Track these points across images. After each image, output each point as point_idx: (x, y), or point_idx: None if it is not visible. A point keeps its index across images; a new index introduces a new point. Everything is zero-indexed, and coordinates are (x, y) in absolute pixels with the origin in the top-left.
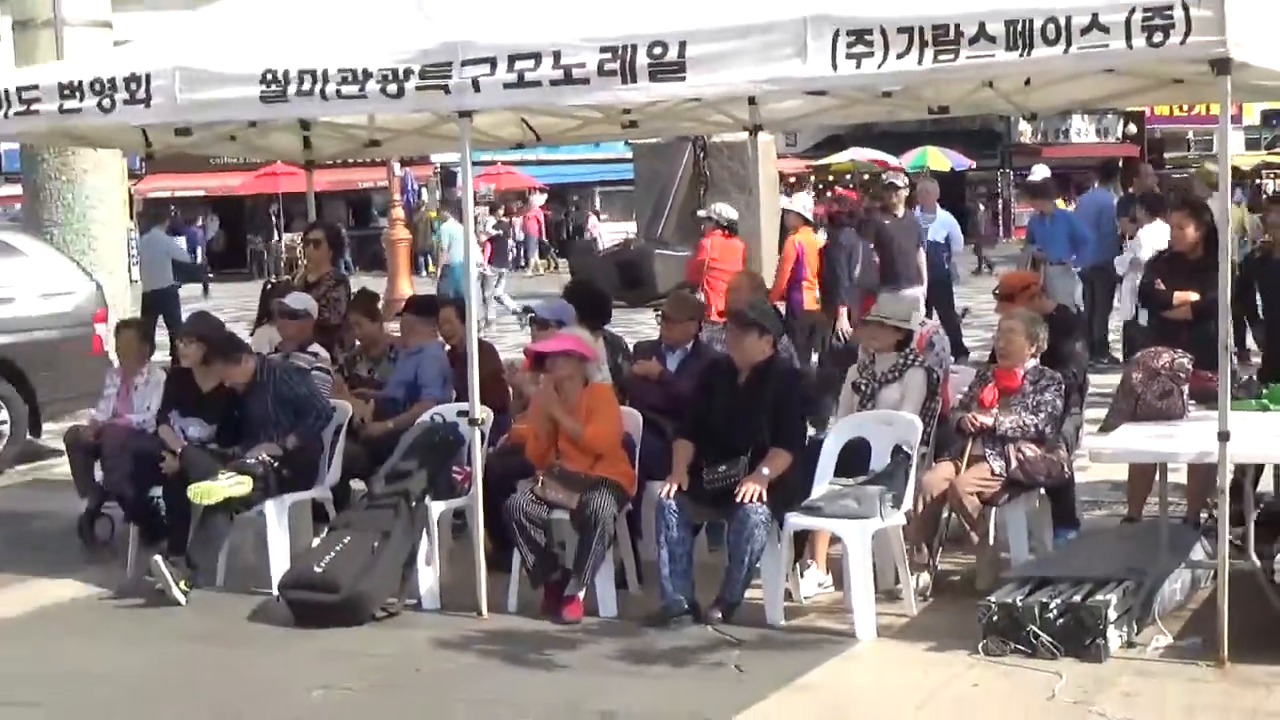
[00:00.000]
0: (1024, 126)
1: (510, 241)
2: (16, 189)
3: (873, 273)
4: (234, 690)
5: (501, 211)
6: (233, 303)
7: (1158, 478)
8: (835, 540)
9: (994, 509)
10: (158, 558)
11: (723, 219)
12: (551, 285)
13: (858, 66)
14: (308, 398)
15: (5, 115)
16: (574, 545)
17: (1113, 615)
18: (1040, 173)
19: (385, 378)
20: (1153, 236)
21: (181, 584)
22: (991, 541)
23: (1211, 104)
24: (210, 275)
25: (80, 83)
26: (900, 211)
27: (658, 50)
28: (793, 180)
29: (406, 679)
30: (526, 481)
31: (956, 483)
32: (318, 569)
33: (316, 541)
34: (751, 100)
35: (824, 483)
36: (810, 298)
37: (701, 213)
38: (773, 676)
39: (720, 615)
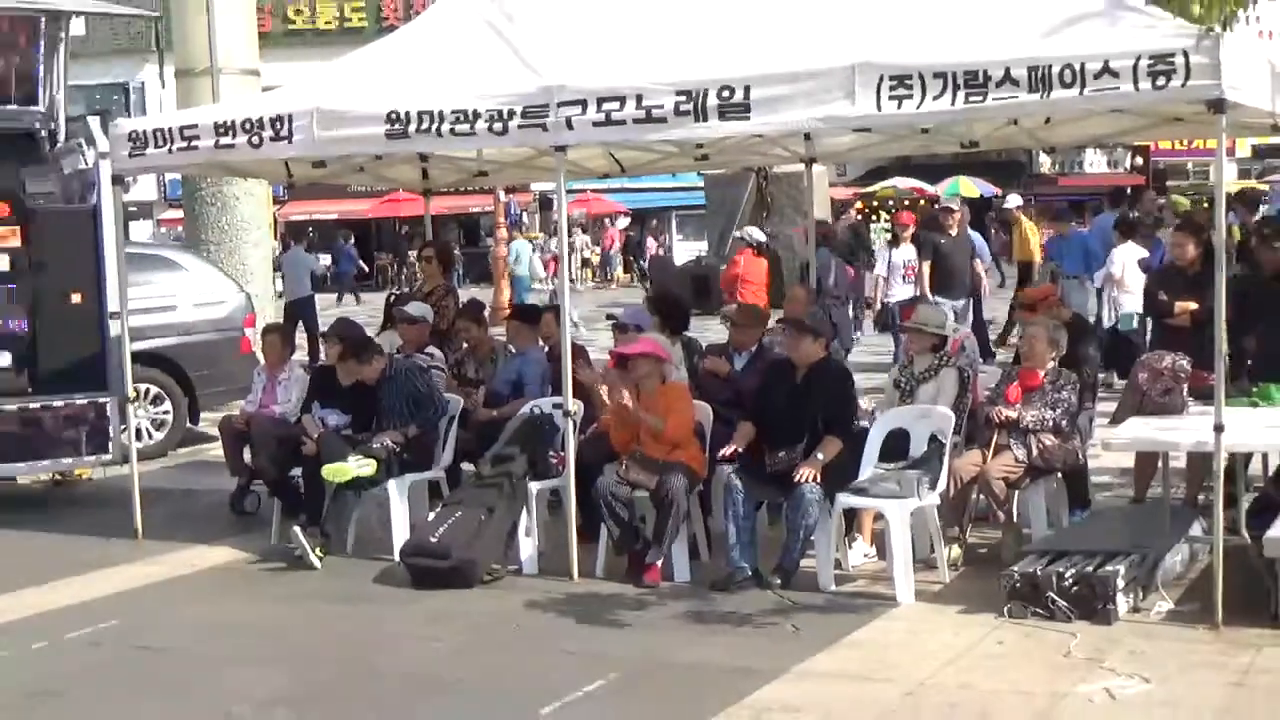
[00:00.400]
0: (1044, 159)
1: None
2: (179, 213)
3: (845, 284)
4: (362, 642)
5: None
6: (363, 311)
7: (1160, 464)
8: (879, 517)
9: (1017, 491)
10: (297, 528)
11: (752, 240)
12: (633, 295)
13: (899, 107)
14: (428, 394)
15: (170, 150)
16: (653, 520)
17: (1121, 584)
18: (1012, 201)
19: (486, 376)
20: (1124, 254)
21: (317, 551)
22: (1015, 519)
23: (1209, 139)
24: (357, 286)
25: (233, 122)
26: (955, 231)
27: (725, 93)
28: (841, 204)
29: (509, 633)
30: (612, 465)
31: (985, 468)
32: (433, 539)
33: (432, 515)
34: (807, 136)
35: (869, 467)
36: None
37: (736, 234)
38: (824, 634)
39: (779, 581)
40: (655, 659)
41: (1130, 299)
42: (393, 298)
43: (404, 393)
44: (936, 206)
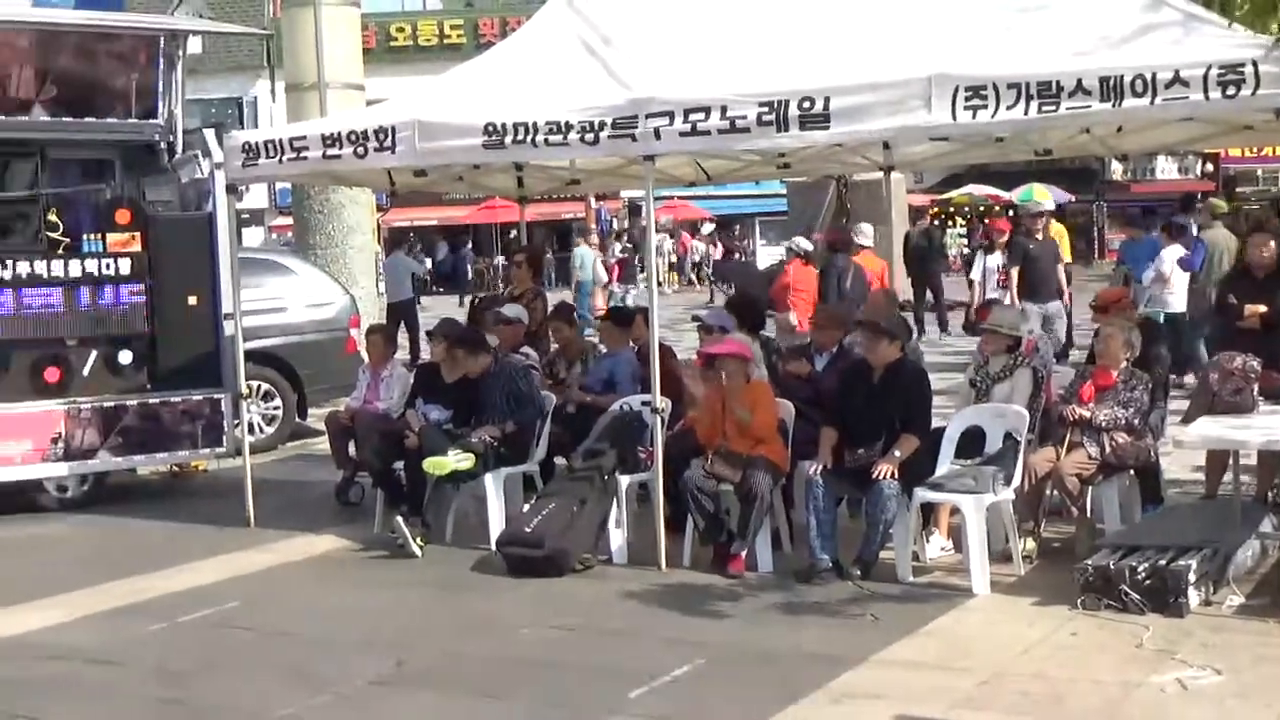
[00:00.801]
0: (1116, 166)
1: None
2: (288, 220)
3: (861, 288)
4: (459, 626)
5: (625, 238)
6: (460, 313)
7: (1231, 462)
8: (955, 511)
9: (1090, 487)
10: (400, 518)
11: (800, 249)
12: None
13: (974, 116)
14: (528, 394)
15: (281, 160)
16: (737, 512)
17: (1193, 577)
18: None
19: (573, 376)
20: (1170, 255)
21: (418, 540)
22: (1088, 514)
23: (1277, 146)
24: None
25: (340, 134)
26: (1041, 235)
27: (806, 104)
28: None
29: (599, 620)
30: (698, 460)
31: (1059, 465)
32: (528, 529)
33: (526, 507)
34: (885, 145)
35: (946, 463)
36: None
37: (785, 244)
38: (902, 624)
39: (859, 572)
40: (740, 646)
41: (1174, 297)
42: (477, 300)
43: (506, 390)
44: (1022, 213)
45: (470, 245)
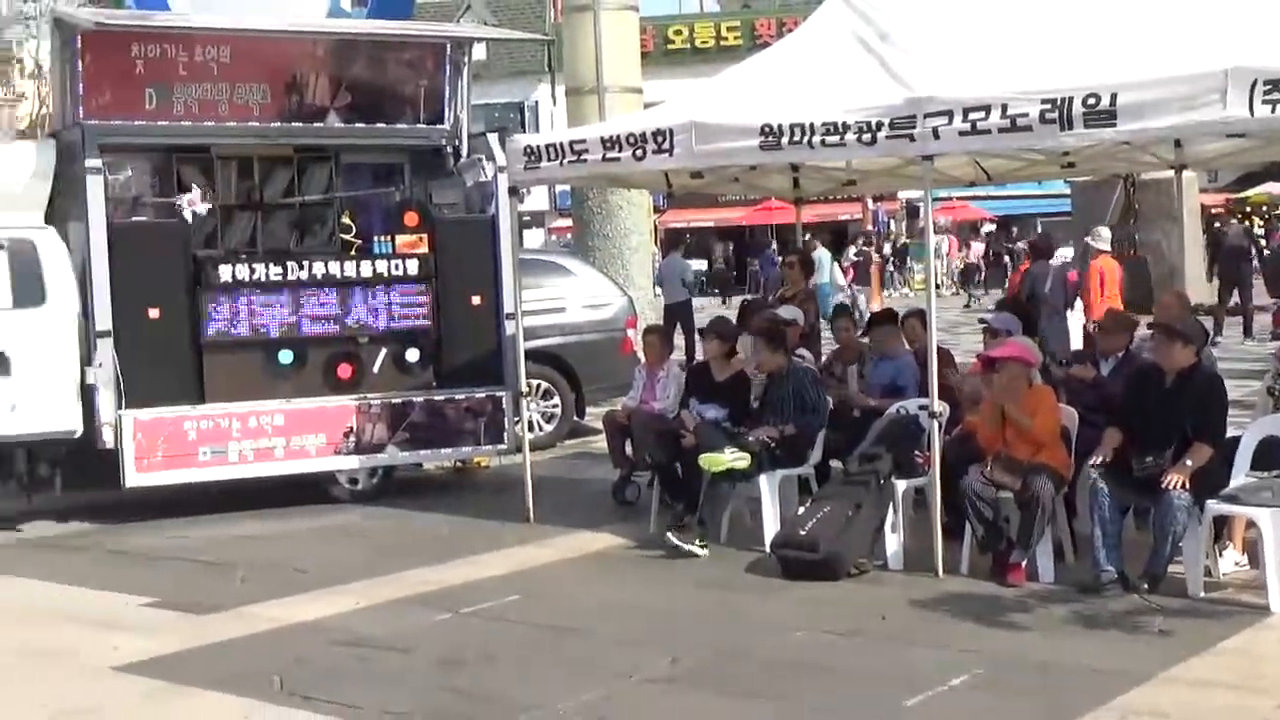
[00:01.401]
0: None
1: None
2: (568, 222)
3: (1062, 293)
4: (733, 627)
5: (861, 241)
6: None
7: None
8: (1251, 525)
9: None
10: (670, 534)
11: (1102, 242)
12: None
13: (1273, 111)
14: (815, 400)
15: (561, 163)
16: (1017, 520)
17: None
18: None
19: (846, 377)
20: None
21: (696, 543)
22: None
23: None
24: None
25: (619, 136)
26: None
27: (1091, 100)
28: (1211, 210)
29: (873, 625)
30: (977, 466)
31: None
32: (802, 532)
33: (801, 509)
34: (1176, 142)
35: (1241, 475)
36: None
37: (1086, 238)
38: (1192, 641)
39: (1146, 586)
40: (1020, 657)
41: None
42: (746, 302)
43: (794, 393)
44: None
45: (773, 246)
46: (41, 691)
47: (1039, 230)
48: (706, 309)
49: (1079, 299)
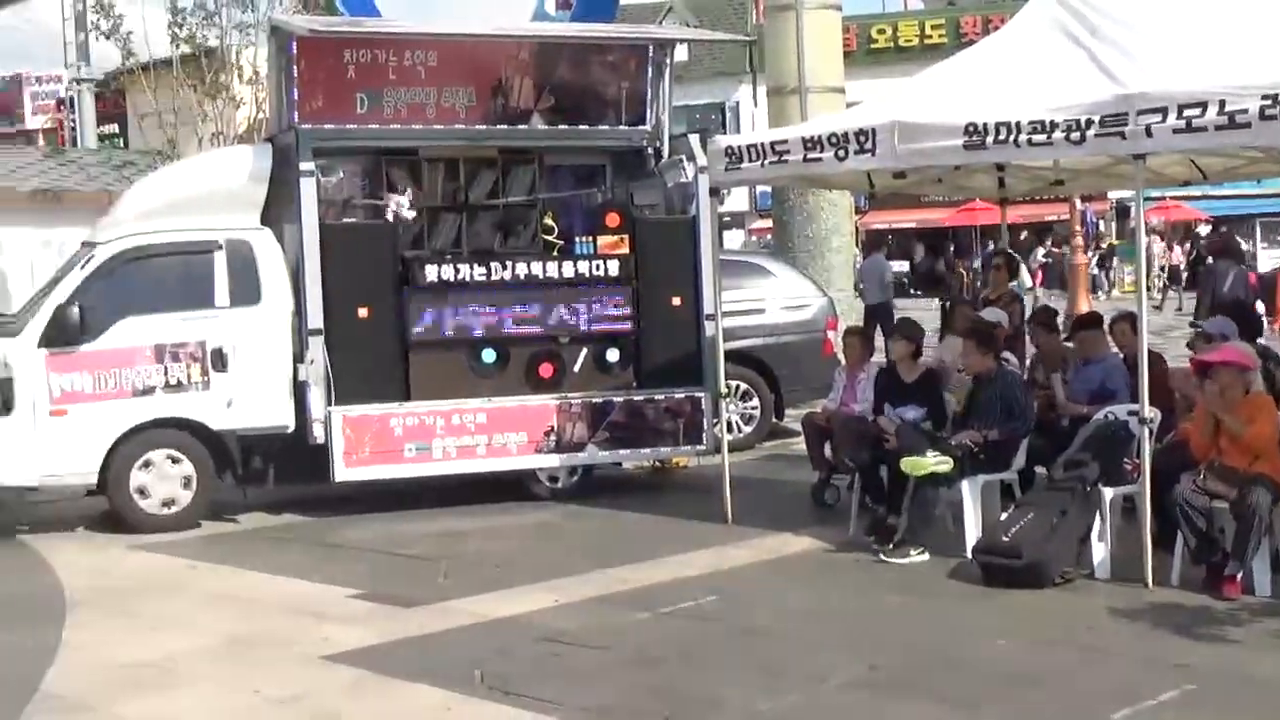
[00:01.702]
0: None
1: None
2: (767, 223)
3: (1243, 293)
4: (933, 633)
5: (1050, 243)
6: (932, 318)
7: None
8: None
9: None
10: (883, 556)
11: None
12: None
13: None
14: (1023, 407)
15: (762, 164)
16: (1232, 531)
17: None
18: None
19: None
20: None
21: (912, 553)
22: None
23: None
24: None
25: (820, 137)
26: None
27: None
28: None
29: (1078, 635)
30: (1189, 474)
31: None
32: (1005, 538)
33: (1004, 515)
34: None
35: None
36: None
37: None
38: None
39: None
40: (1234, 673)
41: None
42: (948, 305)
43: (1002, 398)
44: None
45: (921, 247)
46: (253, 678)
47: (1221, 231)
48: (910, 310)
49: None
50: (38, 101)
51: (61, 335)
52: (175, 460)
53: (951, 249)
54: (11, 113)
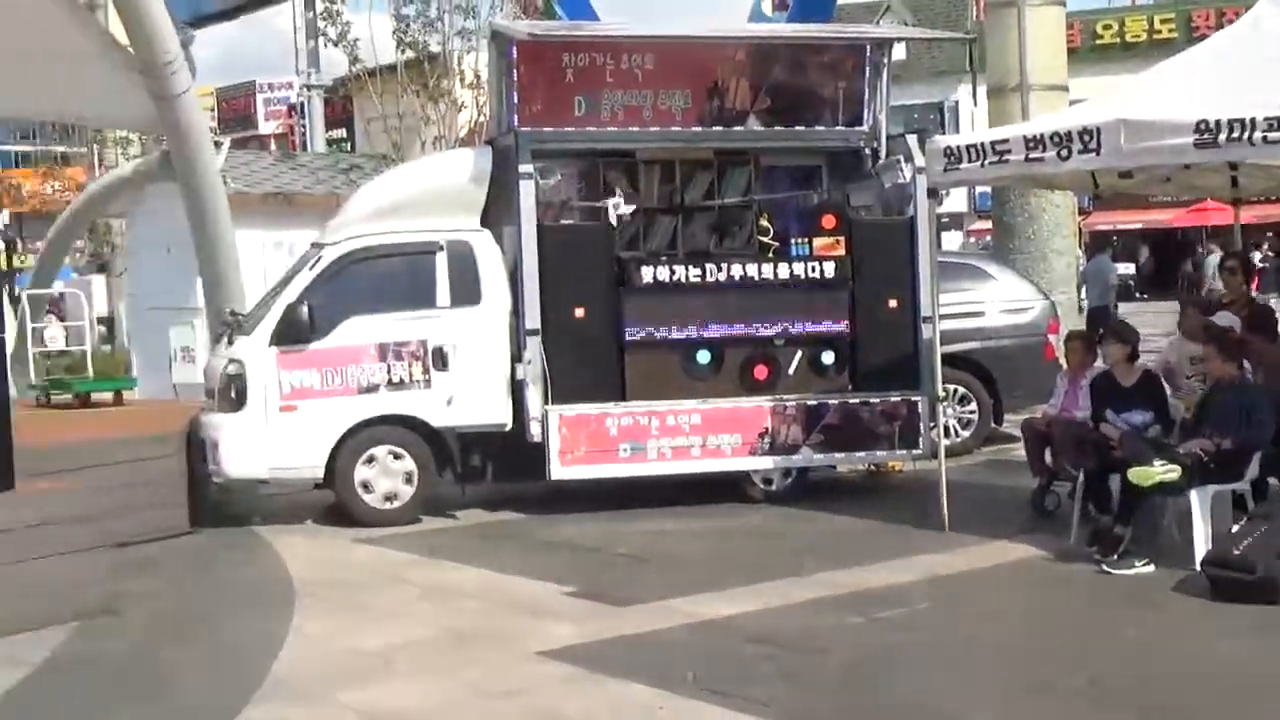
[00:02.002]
0: None
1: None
2: (986, 224)
3: None
4: (1156, 647)
5: (1266, 246)
6: (1162, 320)
7: None
8: None
9: None
10: (1106, 567)
11: None
12: None
13: None
14: (1262, 418)
15: (982, 165)
16: None
17: None
18: None
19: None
20: None
21: (1137, 564)
22: None
23: None
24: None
25: (1042, 135)
26: None
27: None
28: None
29: None
30: None
31: None
32: (1236, 551)
33: (1236, 527)
34: None
35: None
36: None
37: None
38: None
39: None
40: None
41: None
42: (1187, 306)
43: (1243, 406)
44: None
45: (1145, 248)
46: (471, 672)
47: None
48: (1141, 314)
49: None
50: (270, 108)
51: (291, 333)
52: (397, 456)
53: (1199, 250)
54: (246, 118)
